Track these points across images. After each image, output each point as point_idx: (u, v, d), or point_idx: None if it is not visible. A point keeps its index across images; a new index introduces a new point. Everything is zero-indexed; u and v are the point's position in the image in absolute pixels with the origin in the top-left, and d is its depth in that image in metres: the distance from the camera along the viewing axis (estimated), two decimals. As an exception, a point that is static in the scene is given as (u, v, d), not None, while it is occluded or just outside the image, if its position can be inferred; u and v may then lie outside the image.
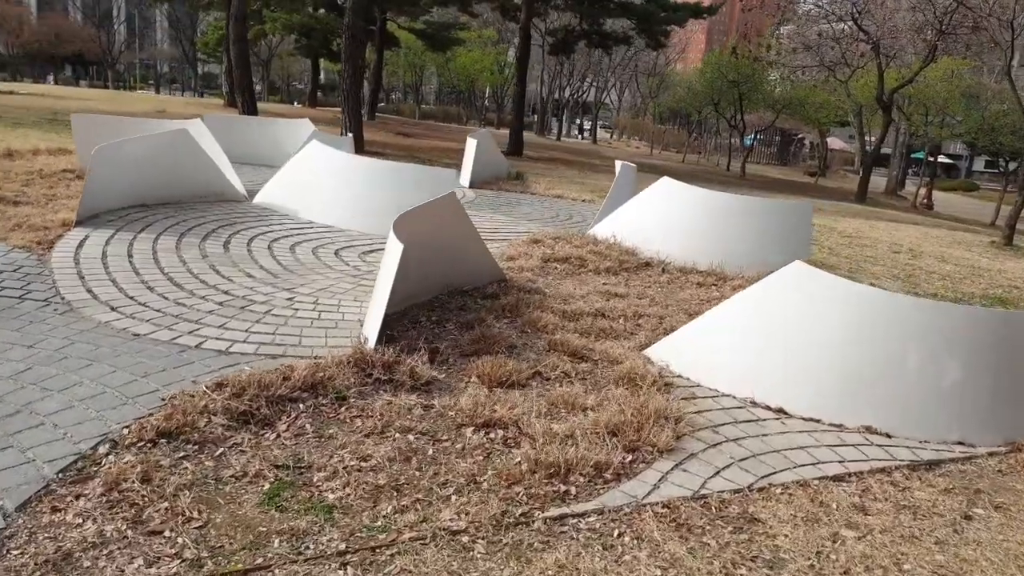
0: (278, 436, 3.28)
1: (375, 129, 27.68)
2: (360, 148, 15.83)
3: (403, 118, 47.18)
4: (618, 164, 8.89)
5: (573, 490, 3.05)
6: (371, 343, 4.07)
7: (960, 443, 3.91)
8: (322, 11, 38.08)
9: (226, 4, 24.77)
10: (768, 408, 4.06)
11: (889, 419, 3.92)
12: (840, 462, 3.56)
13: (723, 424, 3.82)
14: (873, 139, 27.96)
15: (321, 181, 7.51)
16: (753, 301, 4.41)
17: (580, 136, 58.52)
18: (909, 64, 26.68)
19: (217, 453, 3.03)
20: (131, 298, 4.53)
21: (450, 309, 5.15)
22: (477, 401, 3.66)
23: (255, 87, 63.12)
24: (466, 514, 2.79)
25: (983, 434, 3.92)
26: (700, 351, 4.42)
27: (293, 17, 36.03)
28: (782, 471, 3.41)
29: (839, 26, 27.08)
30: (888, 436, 3.89)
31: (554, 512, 2.88)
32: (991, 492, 3.44)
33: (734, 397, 4.16)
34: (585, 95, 57.15)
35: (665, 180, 7.76)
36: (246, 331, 4.25)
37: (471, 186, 11.19)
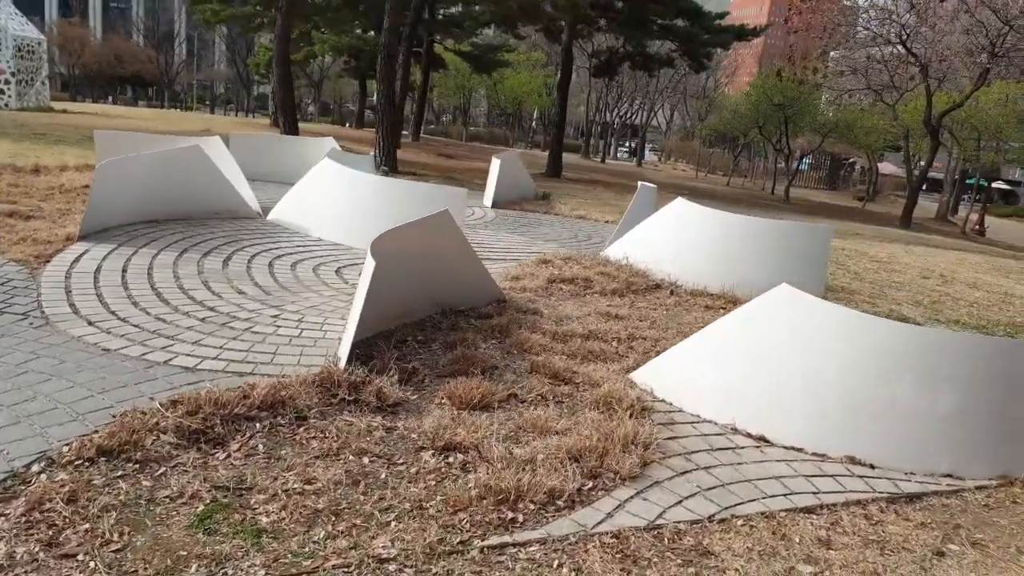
0: (228, 456, 3.23)
1: (417, 150, 28.05)
2: (394, 168, 15.99)
3: (449, 140, 47.71)
4: (640, 185, 8.76)
5: (521, 518, 2.94)
6: (342, 363, 4.02)
7: (949, 476, 3.68)
8: (371, 33, 38.88)
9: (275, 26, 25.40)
10: (749, 435, 3.89)
11: (874, 450, 3.72)
12: (814, 493, 3.38)
13: (697, 451, 3.67)
14: (923, 163, 27.18)
15: (330, 199, 7.56)
16: (739, 324, 4.24)
17: (630, 158, 58.29)
18: (962, 88, 25.95)
19: (158, 473, 3.00)
20: (112, 313, 4.57)
21: (441, 329, 5.08)
22: (441, 424, 3.57)
23: (308, 107, 64.53)
24: (400, 541, 2.70)
25: (974, 467, 3.69)
26: (683, 375, 4.27)
27: (341, 39, 36.88)
28: (749, 502, 3.24)
29: (888, 49, 26.51)
30: (872, 467, 3.68)
31: (494, 541, 2.77)
32: (971, 527, 3.22)
33: (715, 423, 4.00)
34: (633, 118, 57.04)
35: (679, 201, 7.61)
36: (220, 348, 4.24)
37: (494, 206, 11.16)
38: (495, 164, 11.41)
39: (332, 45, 36.74)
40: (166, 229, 6.81)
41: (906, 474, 3.66)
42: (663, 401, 4.23)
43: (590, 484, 3.25)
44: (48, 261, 5.51)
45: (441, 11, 31.30)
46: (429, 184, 7.44)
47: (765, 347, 4.04)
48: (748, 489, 3.35)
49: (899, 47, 24.65)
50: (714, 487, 3.34)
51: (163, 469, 3.03)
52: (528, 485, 3.08)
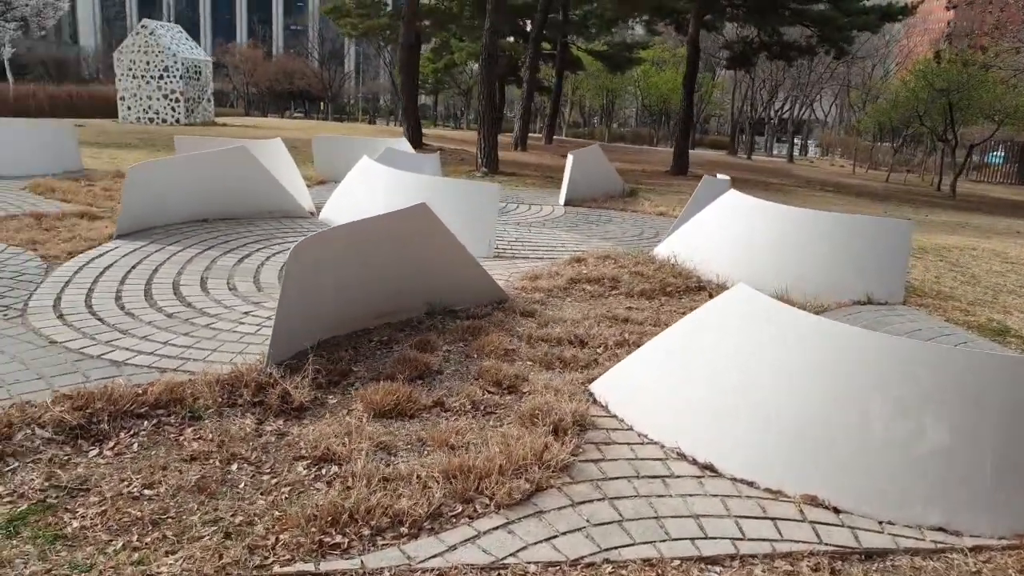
0: (100, 453, 3.12)
1: (543, 152, 27.84)
2: (495, 169, 15.86)
3: (590, 141, 47.26)
4: (704, 178, 8.03)
5: (346, 543, 2.59)
6: (266, 362, 3.83)
7: (942, 529, 2.92)
8: (510, 39, 39.25)
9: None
10: (694, 463, 3.30)
11: (843, 490, 3.02)
12: (734, 539, 2.77)
13: (616, 479, 3.15)
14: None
15: (370, 196, 7.46)
16: (692, 331, 3.64)
17: (803, 154, 55.07)
18: None
19: (7, 469, 2.92)
20: (88, 306, 4.66)
21: (420, 329, 4.80)
22: (327, 432, 3.29)
23: (465, 115, 66.10)
24: (190, 560, 2.44)
25: (977, 520, 2.90)
26: (635, 388, 3.72)
27: (477, 45, 37.50)
28: (640, 544, 2.70)
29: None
30: (836, 511, 2.99)
31: (295, 568, 2.45)
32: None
33: (661, 446, 3.44)
34: (789, 112, 53.89)
35: (731, 193, 6.87)
36: (164, 343, 4.19)
37: (567, 203, 10.72)
38: (569, 161, 10.96)
39: (469, 52, 37.37)
40: (207, 228, 6.99)
41: (881, 523, 2.95)
42: (614, 417, 3.71)
43: (459, 508, 2.84)
44: (72, 256, 5.76)
45: (574, 12, 31.00)
46: (467, 181, 7.20)
47: (719, 359, 3.43)
48: (650, 529, 2.81)
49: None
50: (607, 523, 2.82)
51: (16, 464, 2.96)
52: (374, 506, 2.73)
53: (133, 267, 5.60)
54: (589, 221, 9.68)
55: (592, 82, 51.14)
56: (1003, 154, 44.53)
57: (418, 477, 2.97)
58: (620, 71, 36.16)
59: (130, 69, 28.83)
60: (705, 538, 2.77)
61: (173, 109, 29.06)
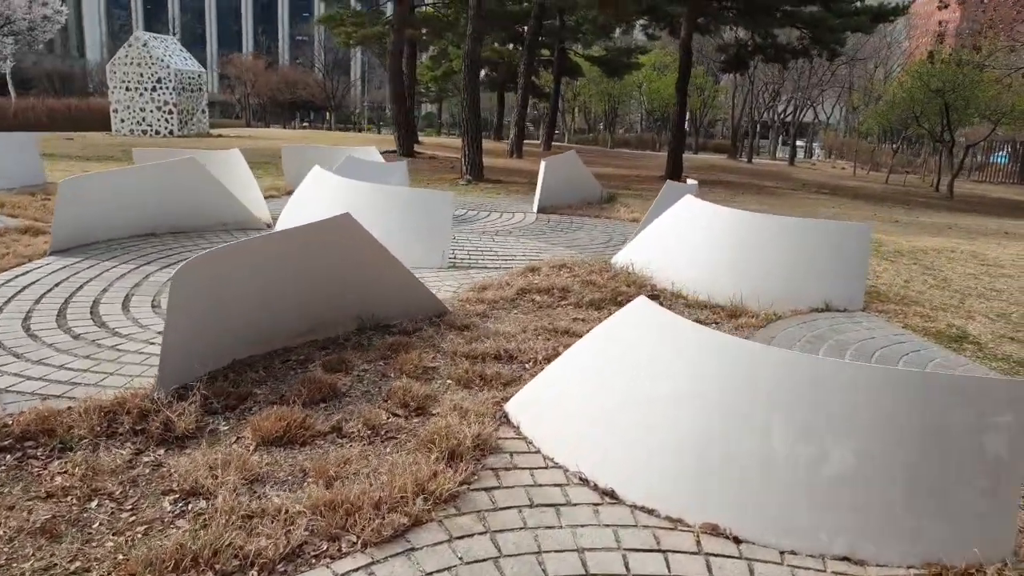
0: (-48, 491, 2.92)
1: (537, 159, 27.58)
2: (480, 176, 15.67)
3: (593, 147, 47.03)
4: (667, 184, 7.80)
5: (181, 589, 2.38)
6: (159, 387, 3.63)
7: (847, 558, 2.69)
8: (509, 45, 39.15)
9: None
10: (595, 489, 3.08)
11: (745, 518, 2.80)
12: (616, 578, 2.55)
13: (506, 508, 2.93)
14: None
15: (320, 206, 7.26)
16: (598, 346, 3.42)
17: (807, 157, 54.60)
18: None
19: None
20: (-11, 330, 4.47)
21: (346, 348, 4.60)
22: (204, 462, 3.08)
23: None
24: (1, 611, 2.24)
25: (886, 549, 2.67)
26: (544, 408, 3.50)
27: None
28: (510, 586, 2.48)
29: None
30: (737, 541, 2.77)
31: (117, 619, 2.24)
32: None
33: (565, 471, 3.22)
34: (791, 115, 53.54)
35: (687, 199, 6.64)
36: (58, 367, 3.99)
37: (540, 211, 10.51)
38: (542, 168, 10.76)
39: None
40: (152, 242, 6.82)
41: (783, 554, 2.72)
42: (523, 439, 3.49)
43: (324, 547, 2.63)
44: (-1, 273, 5.59)
45: (570, 18, 30.85)
46: (419, 190, 7.00)
47: (622, 376, 3.21)
48: (526, 567, 2.58)
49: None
50: (482, 560, 2.60)
51: None
52: (223, 547, 2.52)
53: (57, 285, 5.42)
54: (558, 229, 9.46)
55: (594, 88, 51.02)
56: (1007, 154, 44.10)
57: (285, 512, 2.76)
58: (618, 76, 36.04)
59: (123, 81, 28.84)
60: (585, 575, 2.55)
61: (167, 121, 29.05)
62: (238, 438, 3.40)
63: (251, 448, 3.32)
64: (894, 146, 38.33)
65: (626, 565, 2.62)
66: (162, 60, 28.81)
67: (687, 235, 6.44)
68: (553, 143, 41.62)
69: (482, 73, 45.57)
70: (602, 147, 49.59)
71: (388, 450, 3.35)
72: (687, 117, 62.66)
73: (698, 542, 2.76)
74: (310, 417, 3.53)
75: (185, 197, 7.32)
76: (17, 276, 5.56)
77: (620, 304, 5.90)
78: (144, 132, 29.06)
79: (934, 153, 40.10)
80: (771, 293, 5.88)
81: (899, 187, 31.30)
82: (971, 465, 2.69)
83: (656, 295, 6.14)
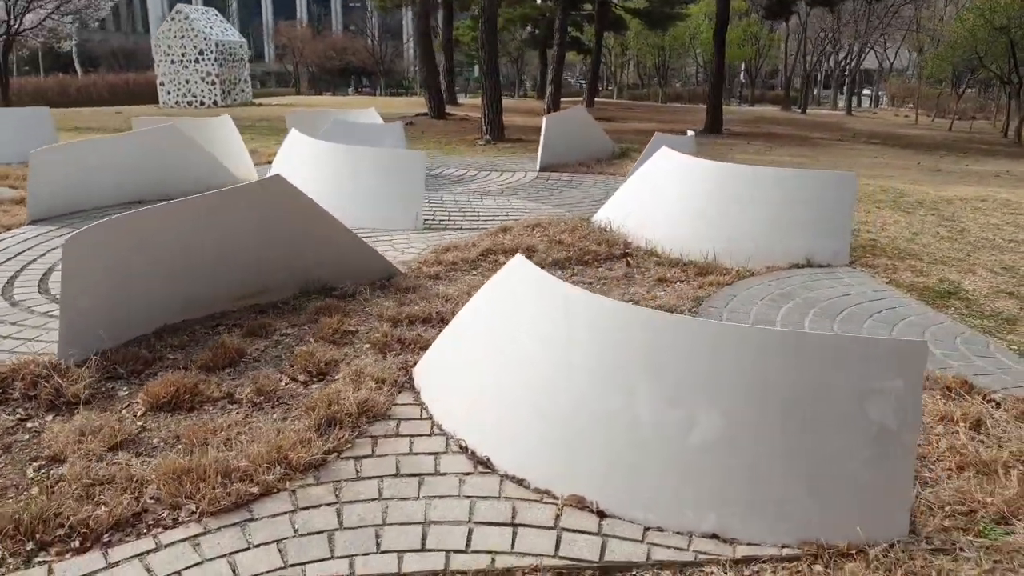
0: None
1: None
2: (500, 136, 15.40)
3: (642, 103, 45.91)
4: (656, 136, 7.45)
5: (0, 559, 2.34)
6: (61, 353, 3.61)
7: (716, 536, 2.48)
8: (549, 2, 38.28)
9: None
10: (473, 457, 2.93)
11: (610, 491, 2.61)
12: (454, 552, 2.40)
13: (368, 478, 2.80)
14: None
15: (292, 169, 7.18)
16: (481, 308, 3.23)
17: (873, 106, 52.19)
18: None
19: None
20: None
21: (284, 311, 4.53)
22: (74, 428, 3.03)
23: (518, 84, 65.22)
24: None
25: (758, 525, 2.45)
26: (438, 372, 3.35)
27: (517, 10, 36.72)
28: (337, 558, 2.37)
29: None
30: (601, 515, 2.58)
31: (-81, 591, 2.21)
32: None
33: (449, 438, 3.07)
34: (851, 62, 51.15)
35: (663, 151, 6.30)
36: (-15, 336, 4.01)
37: (542, 169, 10.21)
38: (544, 125, 10.43)
39: (508, 17, 36.65)
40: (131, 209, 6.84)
41: (647, 531, 2.52)
42: (420, 405, 3.35)
43: (165, 515, 2.55)
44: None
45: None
46: (389, 151, 6.83)
47: (501, 339, 3.02)
48: (360, 540, 2.46)
49: None
50: (317, 533, 2.49)
51: None
52: (54, 515, 2.47)
53: (20, 253, 5.49)
54: (555, 187, 9.18)
55: (642, 41, 49.64)
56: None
57: (135, 480, 2.70)
58: (661, 28, 34.93)
59: (168, 54, 29.32)
60: (421, 551, 2.41)
61: (210, 92, 29.47)
62: (130, 404, 3.36)
63: (139, 414, 3.27)
64: (959, 91, 36.22)
65: (468, 541, 2.46)
66: (204, 32, 29.13)
67: (664, 189, 6.13)
68: (601, 99, 40.73)
69: (524, 31, 44.90)
70: (652, 102, 48.42)
71: (275, 417, 3.25)
72: (743, 68, 60.60)
73: (557, 516, 2.58)
74: (204, 383, 3.45)
75: (170, 163, 7.33)
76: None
77: (587, 263, 5.70)
78: (189, 103, 29.54)
79: (1007, 97, 37.84)
80: (748, 249, 5.56)
81: (963, 134, 29.65)
82: (853, 434, 2.43)
83: (628, 253, 5.87)
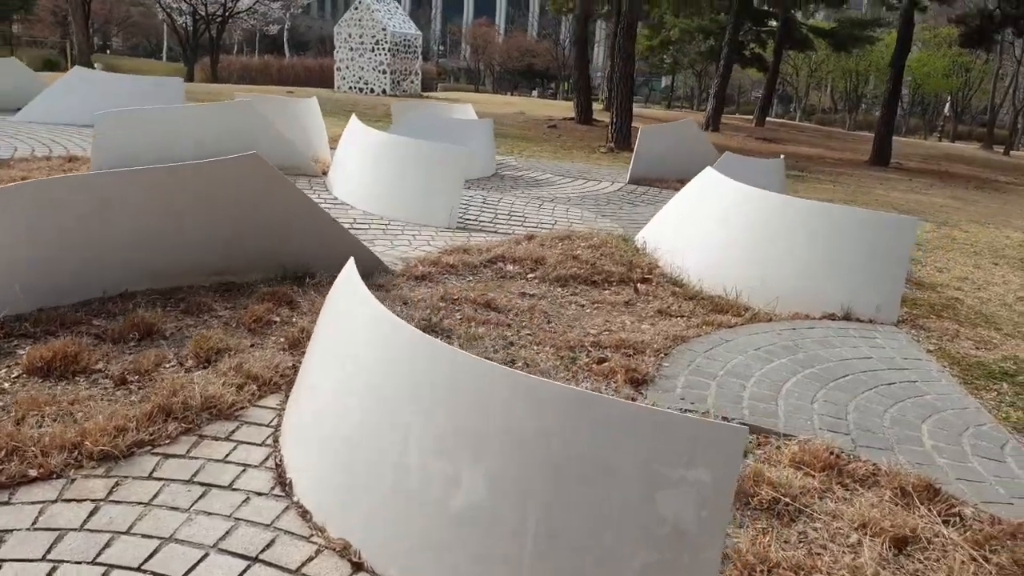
0: None
1: (732, 135, 25.71)
2: (624, 146, 14.84)
3: (827, 128, 43.17)
4: (725, 155, 6.75)
5: None
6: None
7: (460, 626, 2.05)
8: (723, 15, 36.85)
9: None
10: (279, 479, 2.65)
11: (373, 540, 2.26)
12: (156, 581, 2.13)
13: (158, 479, 2.60)
14: None
15: (354, 159, 7.18)
16: (322, 318, 2.92)
17: None
18: None
19: None
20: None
21: (247, 293, 4.47)
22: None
23: (697, 95, 63.33)
24: None
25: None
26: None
27: (692, 22, 35.61)
28: (27, 561, 2.17)
29: None
30: (359, 567, 2.22)
31: None
32: None
33: (273, 453, 2.80)
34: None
35: (707, 172, 5.64)
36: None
37: (632, 181, 9.61)
38: (639, 136, 9.82)
39: (682, 28, 35.69)
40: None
41: (397, 595, 2.14)
42: (276, 410, 3.11)
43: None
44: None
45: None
46: (432, 144, 6.58)
47: (328, 353, 2.71)
48: (85, 546, 2.25)
49: None
50: (50, 530, 2.31)
51: None
52: None
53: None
54: (632, 201, 8.59)
55: (833, 63, 46.75)
56: None
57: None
58: (845, 50, 32.56)
59: (347, 41, 30.97)
60: (134, 570, 2.17)
61: (380, 81, 30.83)
62: (9, 366, 3.36)
63: (14, 376, 3.26)
64: None
65: (191, 570, 2.19)
66: (382, 23, 30.50)
67: (700, 214, 5.51)
68: (779, 120, 38.54)
69: (703, 44, 43.45)
70: (840, 128, 45.44)
71: (134, 399, 3.13)
72: (948, 101, 55.46)
73: (308, 560, 2.25)
74: (88, 353, 3.40)
75: (235, 137, 7.53)
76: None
77: (593, 283, 5.24)
78: (361, 90, 31.04)
79: None
80: (779, 289, 4.86)
81: None
82: (633, 530, 1.92)
83: (647, 278, 5.32)
